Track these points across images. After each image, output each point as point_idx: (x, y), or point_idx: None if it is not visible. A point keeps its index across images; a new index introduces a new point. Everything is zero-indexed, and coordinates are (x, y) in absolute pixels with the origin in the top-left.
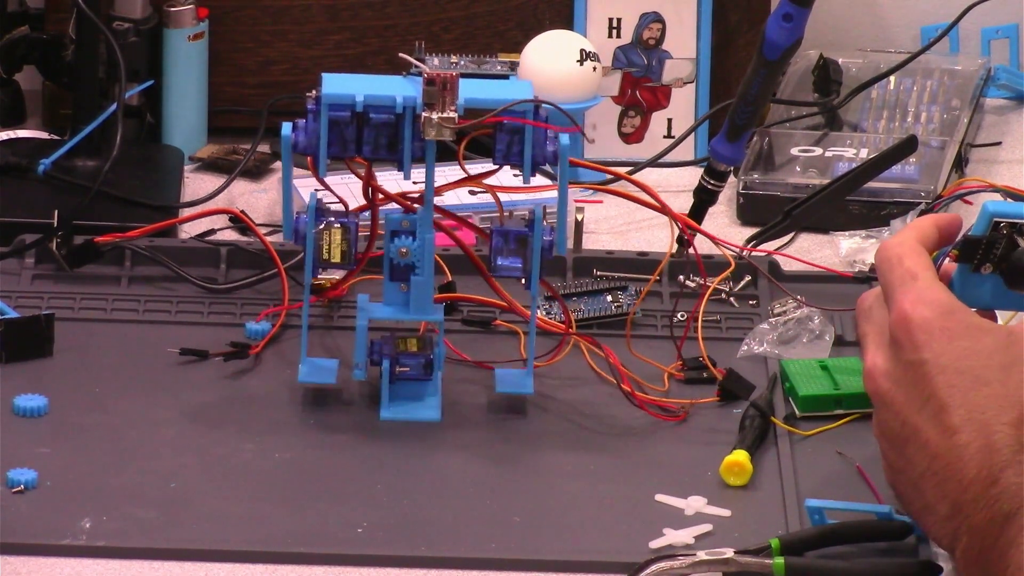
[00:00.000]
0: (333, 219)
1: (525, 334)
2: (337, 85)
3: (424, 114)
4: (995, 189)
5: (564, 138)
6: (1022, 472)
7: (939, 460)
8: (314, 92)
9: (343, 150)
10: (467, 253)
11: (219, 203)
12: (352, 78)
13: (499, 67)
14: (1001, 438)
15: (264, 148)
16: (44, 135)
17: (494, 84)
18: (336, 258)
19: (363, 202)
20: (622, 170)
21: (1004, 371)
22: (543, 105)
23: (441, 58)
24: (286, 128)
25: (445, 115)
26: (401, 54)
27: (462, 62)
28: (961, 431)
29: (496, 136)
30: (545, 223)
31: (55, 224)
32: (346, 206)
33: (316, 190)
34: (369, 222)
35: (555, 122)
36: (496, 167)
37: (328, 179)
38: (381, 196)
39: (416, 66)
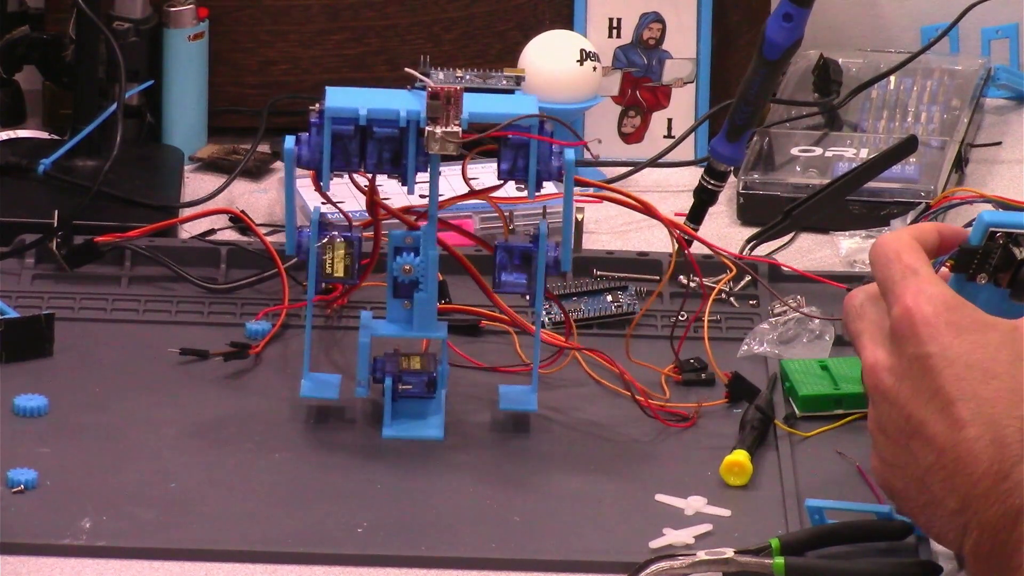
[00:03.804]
0: (336, 233)
1: (516, 334)
2: (340, 99)
3: (428, 128)
4: (986, 199)
5: (569, 154)
6: None
7: (947, 454)
8: (317, 105)
9: (346, 164)
10: (471, 272)
11: (219, 203)
12: (355, 91)
13: (504, 81)
14: (1012, 432)
15: (264, 148)
16: (44, 135)
17: (499, 98)
18: (339, 272)
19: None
20: (620, 171)
21: (1013, 365)
22: (548, 120)
23: (446, 72)
24: (289, 141)
25: (449, 129)
26: (407, 68)
27: (467, 76)
28: (971, 425)
29: (500, 151)
30: (549, 240)
31: (55, 224)
32: (349, 220)
33: (321, 203)
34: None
35: (560, 136)
36: (500, 183)
37: (331, 181)
38: (384, 211)
39: (420, 80)
